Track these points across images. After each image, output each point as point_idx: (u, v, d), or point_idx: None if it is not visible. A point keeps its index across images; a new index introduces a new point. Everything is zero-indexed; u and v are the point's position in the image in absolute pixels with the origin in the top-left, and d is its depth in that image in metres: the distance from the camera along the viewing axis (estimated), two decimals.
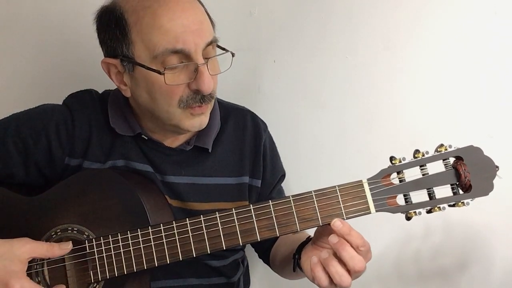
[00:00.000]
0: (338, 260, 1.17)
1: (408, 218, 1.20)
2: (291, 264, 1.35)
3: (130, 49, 1.32)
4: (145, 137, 1.46)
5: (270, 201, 1.24)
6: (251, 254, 1.74)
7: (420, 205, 1.18)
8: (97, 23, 1.41)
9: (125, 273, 1.30)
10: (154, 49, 1.29)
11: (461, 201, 1.16)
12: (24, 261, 1.25)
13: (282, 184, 1.68)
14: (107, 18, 1.36)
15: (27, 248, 1.25)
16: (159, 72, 1.29)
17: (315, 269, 1.19)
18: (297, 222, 1.23)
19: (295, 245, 1.37)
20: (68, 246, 1.31)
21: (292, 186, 1.76)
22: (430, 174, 1.18)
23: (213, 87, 1.36)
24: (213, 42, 1.35)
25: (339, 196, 1.21)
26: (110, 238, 1.31)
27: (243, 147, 1.55)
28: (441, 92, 1.66)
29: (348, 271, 1.17)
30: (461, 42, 1.63)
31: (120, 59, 1.35)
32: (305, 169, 1.77)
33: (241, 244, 1.26)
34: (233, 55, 1.40)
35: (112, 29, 1.34)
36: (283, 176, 1.66)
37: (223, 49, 1.40)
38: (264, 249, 1.63)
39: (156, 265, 1.29)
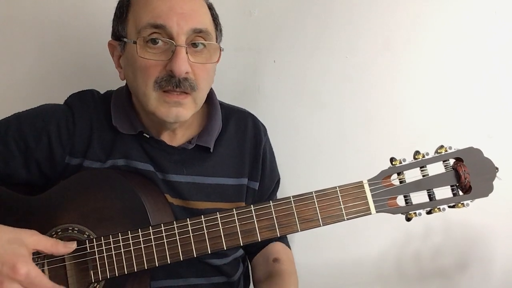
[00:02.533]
0: None
1: (408, 219, 1.21)
2: None
3: (125, 29, 1.37)
4: (147, 135, 1.46)
5: (271, 201, 1.25)
6: None
7: (420, 206, 1.19)
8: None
9: (126, 273, 1.30)
10: (139, 24, 1.33)
11: (461, 202, 1.17)
12: (30, 250, 1.25)
13: (280, 187, 1.68)
14: (119, 1, 1.42)
15: (34, 239, 1.26)
16: (134, 43, 1.32)
17: None
18: (297, 223, 1.23)
19: None
20: (72, 246, 1.30)
21: (291, 186, 1.76)
22: (430, 175, 1.19)
23: (195, 75, 1.36)
24: (202, 32, 1.35)
25: (339, 196, 1.22)
26: (110, 238, 1.31)
27: (243, 149, 1.55)
28: (440, 91, 1.67)
29: None
30: (461, 42, 1.64)
31: (119, 40, 1.39)
32: (305, 169, 1.77)
33: (241, 244, 1.26)
34: (221, 49, 1.41)
35: (117, 11, 1.40)
36: (278, 181, 1.67)
37: (210, 43, 1.39)
38: (252, 252, 1.65)
39: (157, 265, 1.29)
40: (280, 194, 1.68)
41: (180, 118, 1.38)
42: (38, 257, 1.32)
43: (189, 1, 1.35)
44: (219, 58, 1.42)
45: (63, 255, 1.33)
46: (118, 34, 1.39)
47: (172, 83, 1.33)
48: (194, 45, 1.35)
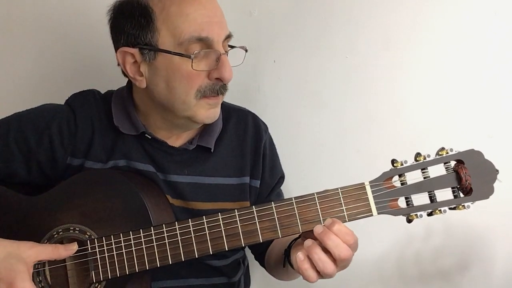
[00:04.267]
0: (323, 249, 1.18)
1: (409, 221, 1.21)
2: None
3: (154, 37, 1.35)
4: (148, 136, 1.46)
5: (272, 202, 1.25)
6: (252, 254, 1.74)
7: (421, 208, 1.19)
8: (114, 13, 1.42)
9: (127, 273, 1.31)
10: (180, 36, 1.32)
11: (462, 204, 1.17)
12: (30, 264, 1.26)
13: (282, 187, 1.69)
14: (130, 7, 1.38)
15: (33, 252, 1.26)
16: (188, 57, 1.32)
17: (302, 266, 1.19)
18: (299, 224, 1.24)
19: (287, 243, 1.39)
20: (73, 247, 1.31)
21: (292, 186, 1.76)
22: (431, 177, 1.19)
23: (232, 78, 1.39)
24: (229, 37, 1.40)
25: (341, 198, 1.22)
26: (112, 238, 1.32)
27: (244, 147, 1.56)
28: (440, 91, 1.66)
29: (334, 260, 1.17)
30: (461, 42, 1.64)
31: (139, 47, 1.36)
32: (305, 169, 1.77)
33: (243, 245, 1.27)
34: (246, 50, 1.46)
35: (136, 18, 1.36)
36: (282, 178, 1.68)
37: (232, 46, 1.44)
38: (261, 251, 1.64)
39: (158, 266, 1.29)
40: None
41: (216, 118, 1.45)
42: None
43: (216, 6, 1.39)
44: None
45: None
46: (141, 42, 1.36)
47: (216, 91, 1.37)
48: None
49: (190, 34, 1.32)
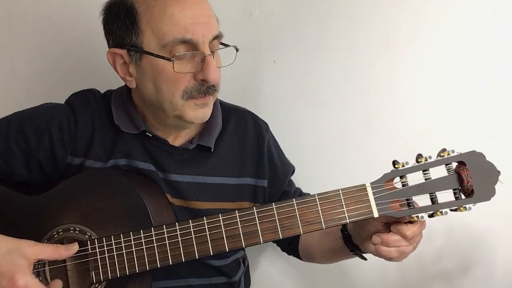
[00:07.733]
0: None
1: (411, 222, 1.22)
2: (343, 252, 1.46)
3: (139, 38, 1.34)
4: (149, 134, 1.46)
5: (273, 204, 1.25)
6: (252, 254, 1.74)
7: (423, 209, 1.19)
8: (104, 13, 1.42)
9: (127, 273, 1.30)
10: (163, 38, 1.31)
11: (463, 206, 1.17)
12: (31, 261, 1.25)
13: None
14: (117, 8, 1.38)
15: (34, 250, 1.26)
16: (168, 59, 1.31)
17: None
18: (300, 225, 1.24)
19: (334, 235, 1.45)
20: (74, 247, 1.31)
21: None
22: (432, 178, 1.19)
23: (218, 79, 1.38)
24: (218, 37, 1.38)
25: (342, 199, 1.22)
26: (112, 239, 1.31)
27: (244, 148, 1.56)
28: (441, 91, 1.67)
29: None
30: (461, 42, 1.64)
31: (127, 49, 1.36)
32: (305, 169, 1.77)
33: (243, 246, 1.27)
34: (237, 50, 1.43)
35: (122, 19, 1.36)
36: (293, 171, 1.69)
37: (226, 45, 1.42)
38: (289, 241, 1.65)
39: (159, 266, 1.29)
40: None
41: (206, 118, 1.42)
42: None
43: (202, 6, 1.36)
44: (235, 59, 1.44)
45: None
46: (127, 43, 1.36)
47: (202, 92, 1.36)
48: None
49: (174, 36, 1.31)
